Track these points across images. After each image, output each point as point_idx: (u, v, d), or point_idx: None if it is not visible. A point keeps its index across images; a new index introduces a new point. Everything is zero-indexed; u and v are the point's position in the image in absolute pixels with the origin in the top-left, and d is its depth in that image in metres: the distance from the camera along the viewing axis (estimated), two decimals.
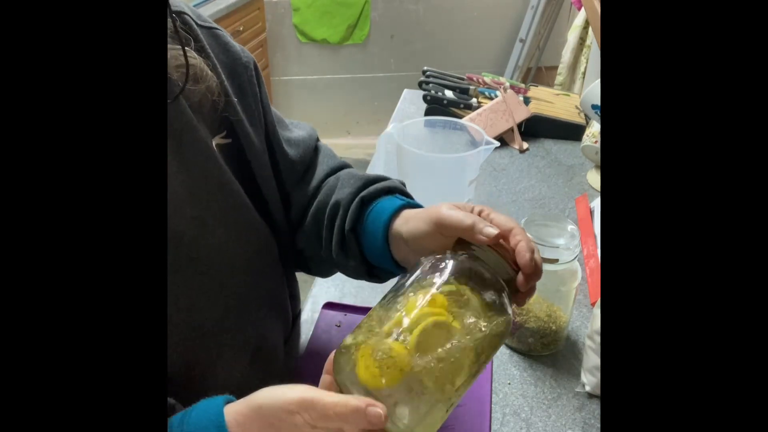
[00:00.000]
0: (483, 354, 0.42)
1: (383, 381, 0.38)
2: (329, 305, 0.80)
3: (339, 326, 0.77)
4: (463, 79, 1.45)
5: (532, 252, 0.46)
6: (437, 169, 0.94)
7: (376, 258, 0.58)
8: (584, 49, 2.07)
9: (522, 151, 1.25)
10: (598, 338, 0.65)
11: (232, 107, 0.58)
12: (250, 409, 0.40)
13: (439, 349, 0.40)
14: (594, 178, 1.13)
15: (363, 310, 0.78)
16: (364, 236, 0.59)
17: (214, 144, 0.57)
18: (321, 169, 0.69)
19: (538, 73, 2.88)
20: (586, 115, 1.21)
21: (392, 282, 0.49)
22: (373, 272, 0.61)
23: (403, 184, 0.63)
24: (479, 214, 0.50)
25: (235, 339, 0.57)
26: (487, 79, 1.42)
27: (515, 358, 0.73)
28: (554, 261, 0.66)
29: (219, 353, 0.55)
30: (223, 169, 0.56)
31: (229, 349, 0.56)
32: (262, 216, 0.61)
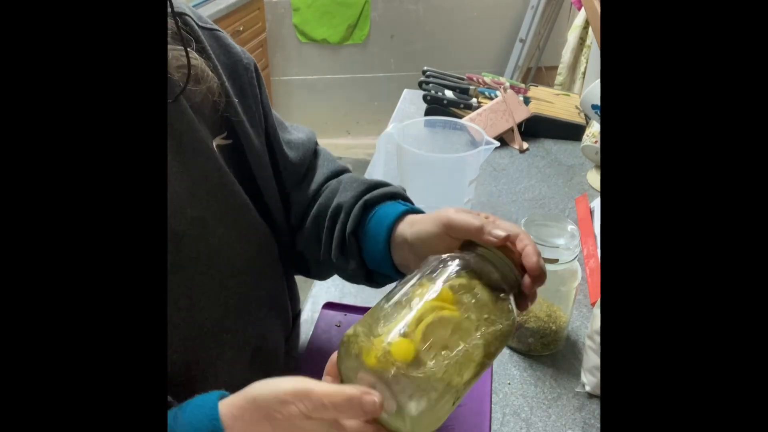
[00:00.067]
0: (491, 348, 0.42)
1: (391, 371, 0.38)
2: (329, 305, 0.80)
3: (339, 326, 0.77)
4: (463, 79, 1.45)
5: (539, 255, 0.47)
6: (437, 169, 0.94)
7: (376, 262, 0.58)
8: (584, 49, 2.07)
9: (522, 151, 1.25)
10: (598, 338, 0.65)
11: (233, 108, 0.58)
12: (245, 401, 0.40)
13: (448, 342, 0.40)
14: (594, 178, 1.13)
15: (363, 310, 0.78)
16: (365, 240, 0.59)
17: (214, 145, 0.57)
18: (321, 173, 0.69)
19: (538, 73, 2.88)
20: (586, 115, 1.21)
21: (390, 287, 0.49)
22: (371, 277, 0.61)
23: (404, 191, 0.63)
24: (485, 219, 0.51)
25: (235, 339, 0.57)
26: (487, 79, 1.42)
27: (515, 358, 0.73)
28: (554, 261, 0.66)
29: (219, 353, 0.55)
30: (224, 170, 0.56)
31: (229, 348, 0.56)
32: (262, 216, 0.62)
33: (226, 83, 0.58)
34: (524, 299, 0.47)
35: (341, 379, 0.42)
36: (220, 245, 0.55)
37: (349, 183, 0.64)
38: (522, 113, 1.28)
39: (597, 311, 0.66)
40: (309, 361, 0.71)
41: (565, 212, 1.05)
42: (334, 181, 0.67)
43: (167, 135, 0.51)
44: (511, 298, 0.46)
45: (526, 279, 0.47)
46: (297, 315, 0.74)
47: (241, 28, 2.44)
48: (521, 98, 1.31)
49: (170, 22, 0.53)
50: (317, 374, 0.43)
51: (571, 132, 1.30)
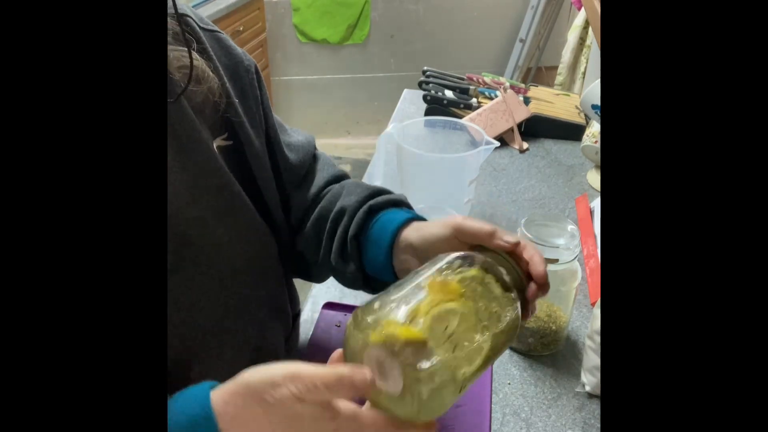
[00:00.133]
0: (498, 341, 0.43)
1: (403, 347, 0.38)
2: (329, 305, 0.80)
3: (339, 326, 0.77)
4: (463, 79, 1.45)
5: (546, 265, 0.48)
6: (437, 169, 0.94)
7: (376, 266, 0.58)
8: (584, 49, 2.07)
9: (522, 151, 1.25)
10: (598, 338, 0.65)
11: (234, 108, 0.58)
12: (237, 386, 0.40)
13: (460, 330, 0.40)
14: (594, 178, 1.13)
15: None
16: (367, 244, 0.59)
17: (215, 146, 0.57)
18: (321, 176, 0.69)
19: (538, 73, 2.88)
20: (586, 115, 1.21)
21: None
22: (368, 282, 0.61)
23: (406, 199, 0.65)
24: None
25: (235, 339, 0.57)
26: (487, 79, 1.42)
27: (515, 358, 0.73)
28: (554, 261, 0.66)
29: (219, 353, 0.55)
30: (224, 170, 0.56)
31: (229, 349, 0.56)
32: (262, 217, 0.62)
33: (227, 84, 0.58)
34: (525, 310, 0.48)
35: (345, 361, 0.42)
36: (220, 245, 0.55)
37: (353, 188, 0.64)
38: (522, 113, 1.28)
39: (597, 311, 0.66)
40: (309, 361, 0.71)
41: (565, 212, 1.05)
42: (336, 186, 0.68)
43: (168, 135, 0.51)
44: (518, 303, 0.47)
45: (532, 286, 0.48)
46: (297, 315, 0.74)
47: (241, 28, 2.44)
48: (521, 98, 1.31)
49: (172, 23, 0.53)
50: None
51: (571, 132, 1.30)
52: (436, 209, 0.99)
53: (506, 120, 1.26)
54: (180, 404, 0.41)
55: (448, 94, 1.35)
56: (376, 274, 0.59)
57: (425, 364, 0.38)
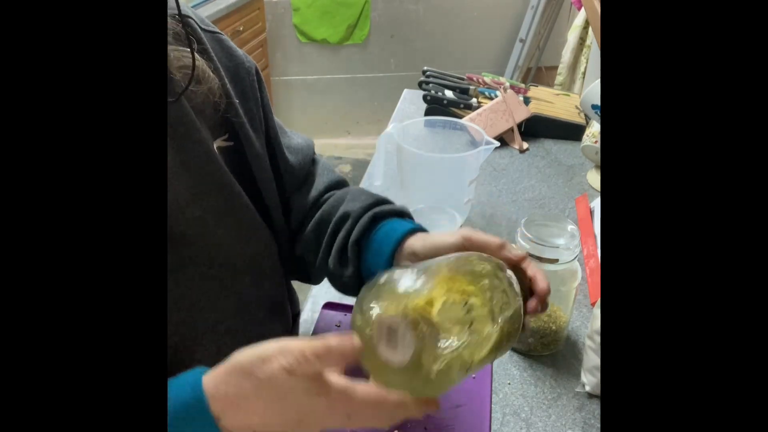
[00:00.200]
0: (505, 331, 0.44)
1: (417, 316, 0.39)
2: (329, 305, 0.80)
3: (339, 326, 0.77)
4: (463, 79, 1.45)
5: (548, 284, 0.51)
6: (437, 169, 0.94)
7: (375, 274, 0.59)
8: (584, 49, 2.07)
9: (522, 151, 1.25)
10: (598, 338, 0.65)
11: (234, 109, 0.58)
12: (227, 366, 0.41)
13: (472, 315, 0.41)
14: (594, 178, 1.13)
15: None
16: (368, 250, 0.59)
17: (215, 146, 0.57)
18: (321, 181, 0.70)
19: (538, 73, 2.88)
20: (586, 115, 1.21)
21: None
22: None
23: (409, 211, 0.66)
24: None
25: (236, 339, 0.57)
26: (487, 79, 1.42)
27: (515, 358, 0.73)
28: (554, 261, 0.66)
29: (219, 353, 0.55)
30: (224, 170, 0.56)
31: (229, 348, 0.56)
32: (262, 218, 0.62)
33: (228, 85, 0.58)
34: (522, 327, 0.50)
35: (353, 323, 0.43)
36: (220, 245, 0.55)
37: (357, 194, 0.65)
38: (522, 113, 1.28)
39: (597, 311, 0.66)
40: None
41: (565, 212, 1.05)
42: (339, 192, 0.68)
43: (168, 135, 0.51)
44: (522, 308, 0.48)
45: (534, 301, 0.50)
46: (297, 315, 0.74)
47: (241, 28, 2.44)
48: (521, 98, 1.31)
49: (174, 23, 0.53)
50: None
51: (571, 132, 1.30)
52: (436, 209, 0.99)
53: (506, 120, 1.26)
54: (173, 390, 0.41)
55: (448, 94, 1.35)
56: None
57: (442, 343, 0.39)
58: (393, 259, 0.57)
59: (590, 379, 0.67)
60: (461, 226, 0.98)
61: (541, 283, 0.50)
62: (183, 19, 0.54)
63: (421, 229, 0.59)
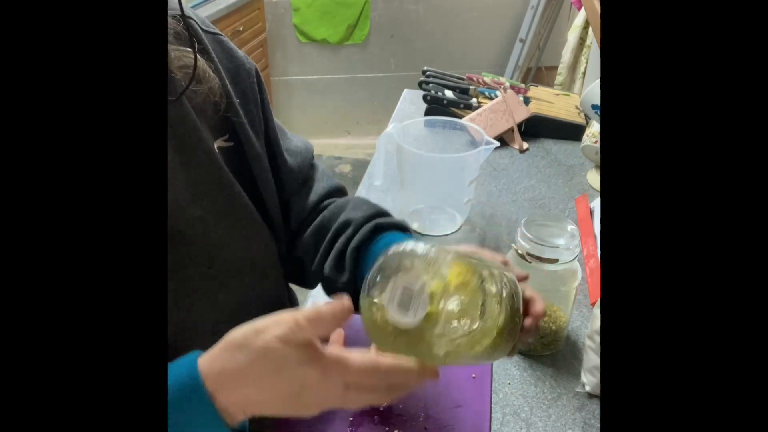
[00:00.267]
0: (506, 331, 0.45)
1: (435, 282, 0.41)
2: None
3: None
4: (463, 79, 1.45)
5: (545, 309, 0.53)
6: (437, 169, 0.94)
7: None
8: (584, 49, 2.07)
9: (522, 151, 1.25)
10: (598, 338, 0.65)
11: (234, 109, 0.58)
12: (221, 343, 0.41)
13: (487, 301, 0.43)
14: (594, 178, 1.13)
15: None
16: (367, 258, 0.60)
17: (215, 147, 0.57)
18: (320, 186, 0.71)
19: (538, 73, 2.88)
20: (586, 115, 1.21)
21: None
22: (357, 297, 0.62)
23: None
24: None
25: None
26: (487, 79, 1.42)
27: (515, 358, 0.73)
28: (554, 261, 0.66)
29: None
30: (224, 170, 0.56)
31: None
32: (262, 218, 0.62)
33: (228, 86, 0.58)
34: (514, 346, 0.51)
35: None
36: (220, 245, 0.55)
37: (359, 204, 0.66)
38: (522, 113, 1.28)
39: (597, 311, 0.66)
40: None
41: (565, 212, 1.05)
42: (340, 200, 0.69)
43: (169, 135, 0.51)
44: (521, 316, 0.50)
45: (529, 319, 0.51)
46: None
47: (241, 28, 2.44)
48: (521, 98, 1.31)
49: (175, 23, 0.53)
50: None
51: (571, 132, 1.30)
52: (436, 209, 0.99)
53: (506, 120, 1.26)
54: (171, 374, 0.41)
55: (448, 94, 1.35)
56: None
57: (455, 306, 0.41)
58: None
59: (590, 379, 0.67)
60: (461, 227, 0.98)
61: (537, 305, 0.52)
62: (184, 19, 0.54)
63: None
